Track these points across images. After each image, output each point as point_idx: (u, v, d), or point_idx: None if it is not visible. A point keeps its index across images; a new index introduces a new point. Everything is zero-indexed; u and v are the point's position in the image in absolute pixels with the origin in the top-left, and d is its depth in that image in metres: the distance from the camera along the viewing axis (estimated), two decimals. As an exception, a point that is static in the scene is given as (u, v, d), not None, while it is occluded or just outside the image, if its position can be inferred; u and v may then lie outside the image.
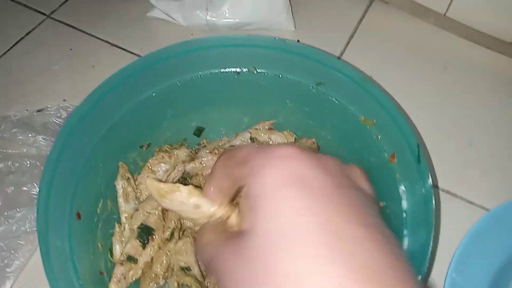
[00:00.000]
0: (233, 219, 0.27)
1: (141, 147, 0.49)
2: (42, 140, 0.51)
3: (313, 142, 0.49)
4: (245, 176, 0.23)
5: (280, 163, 0.22)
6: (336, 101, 0.45)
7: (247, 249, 0.21)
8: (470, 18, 0.65)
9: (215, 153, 0.49)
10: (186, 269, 0.41)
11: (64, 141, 0.39)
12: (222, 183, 0.26)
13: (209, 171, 0.48)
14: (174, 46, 0.45)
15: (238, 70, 0.47)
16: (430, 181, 0.34)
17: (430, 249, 0.31)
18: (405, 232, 0.35)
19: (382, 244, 0.20)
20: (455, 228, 0.48)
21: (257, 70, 0.47)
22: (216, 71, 0.47)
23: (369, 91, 0.41)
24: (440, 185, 0.52)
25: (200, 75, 0.46)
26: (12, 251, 0.46)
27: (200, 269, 0.42)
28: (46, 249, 0.34)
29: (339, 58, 0.64)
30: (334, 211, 0.20)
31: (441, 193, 0.52)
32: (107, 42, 0.67)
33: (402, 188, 0.38)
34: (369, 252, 0.19)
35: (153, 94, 0.45)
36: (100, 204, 0.44)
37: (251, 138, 0.51)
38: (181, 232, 0.45)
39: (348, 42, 0.66)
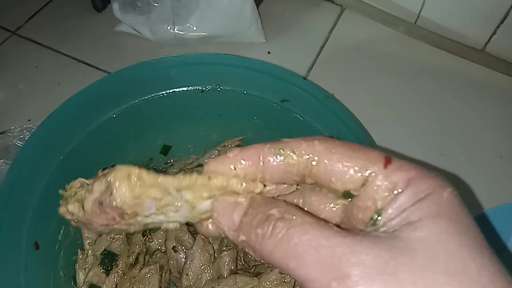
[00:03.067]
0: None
1: (104, 169, 0.47)
2: (3, 165, 0.50)
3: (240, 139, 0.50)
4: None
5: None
6: (301, 118, 0.44)
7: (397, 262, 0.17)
8: (440, 27, 0.65)
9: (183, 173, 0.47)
10: None
11: (20, 168, 0.38)
12: None
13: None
14: (133, 67, 0.44)
15: (201, 88, 0.46)
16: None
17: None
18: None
19: None
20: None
21: (221, 87, 0.46)
22: (179, 90, 0.46)
23: (331, 108, 0.41)
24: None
25: (163, 94, 0.45)
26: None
27: None
28: (-4, 287, 0.32)
29: (310, 67, 0.64)
30: None
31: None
32: (74, 58, 0.65)
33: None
34: None
35: (114, 116, 0.44)
36: (61, 231, 0.43)
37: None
38: (147, 256, 0.44)
39: (319, 52, 0.65)
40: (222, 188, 0.20)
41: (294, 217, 0.19)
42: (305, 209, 0.23)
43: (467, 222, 0.18)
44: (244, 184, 0.20)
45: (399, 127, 0.58)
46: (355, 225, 0.20)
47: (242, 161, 0.20)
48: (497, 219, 0.45)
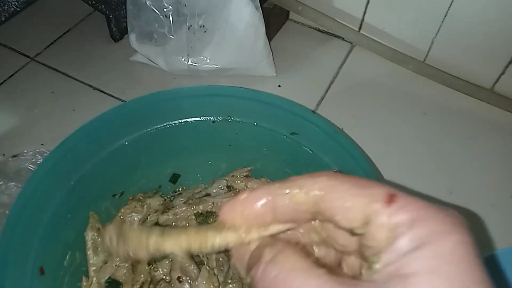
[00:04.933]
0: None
1: (114, 195, 0.48)
2: (14, 188, 0.50)
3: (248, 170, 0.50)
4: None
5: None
6: (310, 151, 0.44)
7: None
8: (449, 65, 0.66)
9: (189, 204, 0.48)
10: None
11: (31, 191, 0.39)
12: None
13: (183, 222, 0.47)
14: (147, 97, 0.45)
15: (213, 118, 0.47)
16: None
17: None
18: None
19: None
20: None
21: (232, 118, 0.47)
22: (191, 120, 0.47)
23: (341, 143, 0.41)
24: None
25: (175, 124, 0.46)
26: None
27: None
28: (0, 311, 0.32)
29: (319, 102, 0.65)
30: None
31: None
32: (89, 85, 0.67)
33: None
34: None
35: (126, 143, 0.45)
36: (67, 257, 0.43)
37: (228, 186, 0.50)
38: (151, 286, 0.44)
39: (329, 88, 0.66)
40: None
41: (285, 261, 0.18)
42: (323, 234, 0.22)
43: (473, 278, 0.16)
44: (253, 234, 0.20)
45: (408, 163, 0.58)
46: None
47: (253, 205, 0.20)
48: (509, 260, 0.44)
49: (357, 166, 0.40)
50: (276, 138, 0.47)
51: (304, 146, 0.45)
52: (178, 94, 0.45)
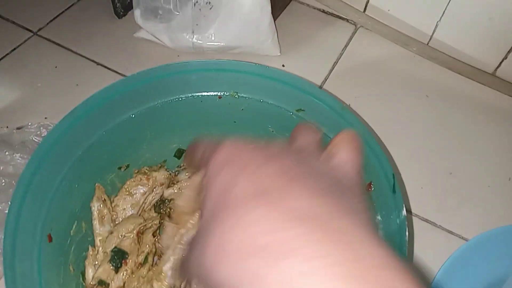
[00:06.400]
0: None
1: (120, 168, 0.48)
2: (20, 159, 0.50)
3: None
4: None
5: (218, 154, 0.25)
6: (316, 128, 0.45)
7: (199, 233, 0.23)
8: (452, 49, 0.66)
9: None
10: None
11: (38, 161, 0.39)
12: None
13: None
14: (155, 69, 0.45)
15: (219, 94, 0.47)
16: (404, 212, 0.34)
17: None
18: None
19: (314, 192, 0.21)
20: (433, 257, 0.48)
21: (239, 94, 0.47)
22: (198, 95, 0.47)
23: (347, 120, 0.41)
24: (420, 214, 0.52)
25: (181, 98, 0.46)
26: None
27: None
28: (12, 273, 0.33)
29: (323, 83, 0.65)
30: (265, 174, 0.22)
31: (420, 222, 0.52)
32: (93, 61, 0.67)
33: (378, 217, 0.38)
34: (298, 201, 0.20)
35: (133, 116, 0.45)
36: (74, 226, 0.43)
37: (232, 162, 0.51)
38: (156, 257, 0.45)
39: (332, 68, 0.67)
40: None
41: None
42: None
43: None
44: None
45: (409, 144, 0.58)
46: None
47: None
48: (503, 239, 0.45)
49: (365, 144, 0.40)
50: (282, 115, 0.47)
51: (310, 123, 0.45)
52: (186, 67, 0.45)
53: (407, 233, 0.33)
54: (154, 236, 0.45)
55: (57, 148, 0.41)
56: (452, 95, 0.65)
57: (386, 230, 0.37)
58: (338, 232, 0.19)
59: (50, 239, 0.39)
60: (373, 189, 0.39)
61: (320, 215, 0.20)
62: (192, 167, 0.29)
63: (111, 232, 0.44)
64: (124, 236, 0.43)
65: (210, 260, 0.21)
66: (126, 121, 0.45)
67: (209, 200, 0.23)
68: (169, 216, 0.48)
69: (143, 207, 0.47)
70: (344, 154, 0.27)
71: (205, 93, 0.47)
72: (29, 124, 0.56)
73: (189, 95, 0.46)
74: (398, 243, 0.34)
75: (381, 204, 0.38)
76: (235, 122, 0.50)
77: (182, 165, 0.52)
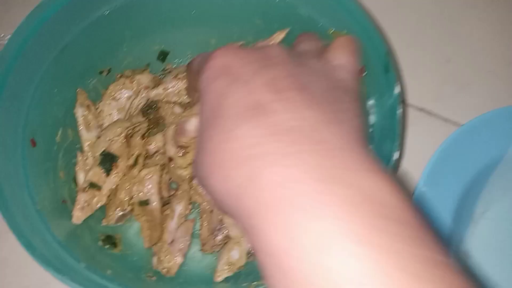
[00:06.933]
0: None
1: (101, 72, 0.46)
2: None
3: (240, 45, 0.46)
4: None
5: (213, 60, 0.25)
6: (305, 15, 0.42)
7: (199, 138, 0.25)
8: None
9: (179, 78, 0.46)
10: (144, 203, 0.40)
11: (8, 63, 0.36)
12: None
13: (175, 97, 0.46)
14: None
15: (201, -19, 0.43)
16: (397, 89, 0.33)
17: (394, 157, 0.30)
18: (370, 147, 0.34)
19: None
20: (429, 145, 0.47)
21: (222, -18, 0.43)
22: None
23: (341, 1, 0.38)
24: (416, 103, 0.51)
25: (159, -11, 0.43)
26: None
27: (160, 203, 0.41)
28: (-7, 173, 0.32)
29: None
30: (255, 86, 0.23)
31: (416, 112, 0.50)
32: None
33: (370, 102, 0.36)
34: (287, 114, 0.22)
35: (107, 12, 0.42)
36: (59, 133, 0.42)
37: (219, 62, 0.48)
38: (147, 160, 0.44)
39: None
40: None
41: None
42: None
43: None
44: None
45: (404, 32, 0.55)
46: None
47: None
48: (500, 121, 0.44)
49: (358, 26, 0.37)
50: (269, 3, 0.43)
51: (299, 9, 0.42)
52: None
53: (399, 110, 0.32)
54: (143, 139, 0.44)
55: (26, 50, 0.37)
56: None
57: (379, 113, 0.35)
58: (318, 142, 0.20)
59: (34, 143, 0.38)
60: (366, 73, 0.37)
61: (303, 127, 0.21)
62: (193, 88, 0.31)
63: (99, 137, 0.43)
64: (112, 140, 0.42)
65: (205, 171, 0.23)
66: (100, 18, 0.42)
67: (204, 106, 0.25)
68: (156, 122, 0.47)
69: (130, 112, 0.46)
70: (342, 58, 0.29)
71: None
72: None
73: (168, -16, 0.43)
74: (390, 122, 0.33)
75: (373, 87, 0.36)
76: (219, 16, 0.47)
77: (166, 68, 0.50)
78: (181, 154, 0.40)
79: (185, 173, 0.41)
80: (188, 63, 0.31)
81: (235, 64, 0.24)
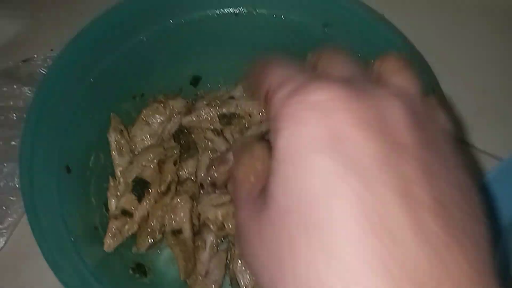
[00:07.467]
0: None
1: (134, 97, 0.46)
2: (29, 92, 0.48)
3: None
4: (273, 120, 0.17)
5: (312, 115, 0.15)
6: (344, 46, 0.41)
7: (264, 221, 0.17)
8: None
9: (213, 105, 0.45)
10: (177, 232, 0.39)
11: (47, 90, 0.36)
12: None
13: (207, 124, 0.46)
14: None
15: (236, 11, 0.43)
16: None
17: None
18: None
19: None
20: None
21: (257, 10, 0.43)
22: (212, 12, 0.43)
23: (382, 32, 0.37)
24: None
25: (195, 17, 0.43)
26: (4, 208, 0.44)
27: (192, 232, 0.40)
28: (31, 204, 0.32)
29: None
30: (383, 192, 0.14)
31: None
32: (96, -13, 0.62)
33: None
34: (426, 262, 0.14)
35: (144, 39, 0.42)
36: (92, 158, 0.42)
37: (252, 88, 0.48)
38: (178, 186, 0.43)
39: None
40: None
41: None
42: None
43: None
44: None
45: (440, 61, 0.54)
46: None
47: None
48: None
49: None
50: (305, 33, 0.43)
51: (338, 40, 0.41)
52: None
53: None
54: (175, 165, 0.43)
55: (66, 76, 0.38)
56: (489, 10, 0.59)
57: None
58: None
59: (69, 170, 0.37)
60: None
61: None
62: (254, 92, 0.21)
63: (131, 162, 0.42)
64: (145, 165, 0.42)
65: (269, 269, 0.16)
66: (137, 45, 0.42)
67: (285, 193, 0.16)
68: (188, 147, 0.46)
69: (162, 137, 0.45)
70: (412, 88, 0.18)
71: (220, 10, 0.43)
72: (35, 56, 0.53)
73: (203, 13, 0.43)
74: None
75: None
76: (253, 43, 0.46)
77: (198, 93, 0.49)
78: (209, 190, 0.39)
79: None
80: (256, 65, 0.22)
81: (347, 128, 0.15)
